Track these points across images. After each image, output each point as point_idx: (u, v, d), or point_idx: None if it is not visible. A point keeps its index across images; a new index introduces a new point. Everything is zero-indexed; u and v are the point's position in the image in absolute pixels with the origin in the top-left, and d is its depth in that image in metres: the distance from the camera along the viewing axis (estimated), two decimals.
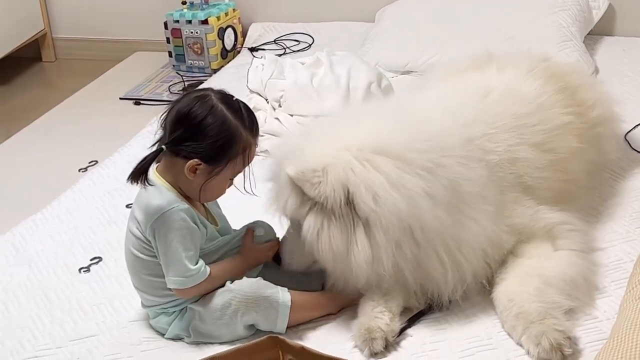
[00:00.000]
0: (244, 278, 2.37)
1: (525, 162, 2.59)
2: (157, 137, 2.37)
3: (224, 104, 2.30)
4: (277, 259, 2.52)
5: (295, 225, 2.43)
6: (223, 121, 2.28)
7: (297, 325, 2.41)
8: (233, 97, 2.38)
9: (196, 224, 2.33)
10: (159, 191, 2.32)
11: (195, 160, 2.28)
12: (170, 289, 2.35)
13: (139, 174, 2.32)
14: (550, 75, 2.90)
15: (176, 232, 2.29)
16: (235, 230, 2.54)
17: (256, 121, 2.38)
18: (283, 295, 2.36)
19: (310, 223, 2.32)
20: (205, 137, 2.27)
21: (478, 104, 2.67)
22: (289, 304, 2.35)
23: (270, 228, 2.55)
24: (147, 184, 2.32)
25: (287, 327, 2.37)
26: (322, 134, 2.45)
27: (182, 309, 2.39)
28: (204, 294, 2.36)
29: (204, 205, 2.44)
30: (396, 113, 2.55)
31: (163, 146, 2.31)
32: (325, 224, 2.31)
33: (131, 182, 2.33)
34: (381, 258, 2.28)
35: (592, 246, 2.63)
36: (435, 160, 2.36)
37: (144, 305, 2.47)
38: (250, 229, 2.50)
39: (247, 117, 2.33)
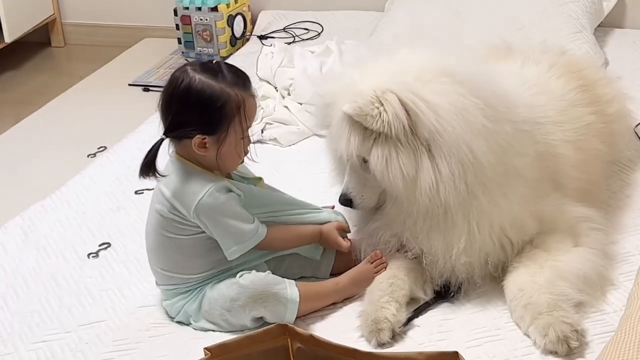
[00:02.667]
0: (253, 272, 2.37)
1: (563, 159, 2.58)
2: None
3: (201, 73, 2.29)
4: (344, 203, 2.51)
5: (358, 163, 2.40)
6: (206, 89, 2.27)
7: (304, 315, 2.41)
8: (212, 61, 2.37)
9: (232, 191, 2.35)
10: (188, 173, 2.34)
11: (198, 136, 2.28)
12: (194, 270, 2.38)
13: (148, 167, 2.32)
14: (569, 71, 2.88)
15: (222, 209, 2.31)
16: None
17: (243, 74, 2.36)
18: (291, 290, 2.36)
19: (377, 155, 2.31)
20: (195, 111, 2.27)
21: (523, 92, 2.64)
22: (298, 299, 2.35)
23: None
24: (158, 175, 2.33)
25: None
26: (375, 66, 2.41)
27: (198, 289, 2.40)
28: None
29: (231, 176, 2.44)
30: (469, 56, 2.52)
31: (163, 136, 2.32)
32: (392, 152, 2.29)
33: (143, 177, 2.34)
34: (439, 186, 2.28)
35: (613, 241, 2.62)
36: (502, 110, 2.33)
37: (158, 285, 2.48)
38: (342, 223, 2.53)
39: (229, 75, 2.32)
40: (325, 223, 2.52)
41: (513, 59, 2.92)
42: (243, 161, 2.44)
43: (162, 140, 2.32)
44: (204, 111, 2.27)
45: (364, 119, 2.28)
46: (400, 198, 2.38)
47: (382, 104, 2.27)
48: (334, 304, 2.47)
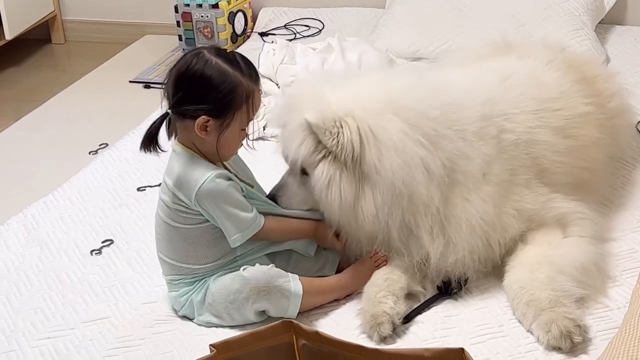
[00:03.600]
0: (257, 265, 2.38)
1: (543, 145, 2.59)
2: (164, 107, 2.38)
3: (218, 57, 2.31)
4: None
5: (296, 172, 2.46)
6: (221, 73, 2.29)
7: (308, 311, 2.41)
8: (227, 49, 2.39)
9: (232, 180, 2.37)
10: (189, 162, 2.35)
11: (203, 117, 2.29)
12: (201, 261, 2.40)
13: (149, 141, 2.34)
14: (568, 66, 2.90)
15: (223, 195, 2.32)
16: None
17: (254, 68, 2.39)
18: (295, 284, 2.37)
19: (322, 172, 2.36)
20: (207, 92, 2.29)
21: (500, 85, 2.68)
22: (301, 293, 2.36)
23: None
24: (159, 150, 2.34)
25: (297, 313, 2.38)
26: (347, 83, 2.46)
27: (203, 280, 2.41)
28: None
29: (229, 169, 2.45)
30: (417, 77, 2.59)
31: (168, 110, 2.32)
32: (337, 174, 2.35)
33: (144, 150, 2.35)
34: (378, 214, 2.34)
35: (604, 234, 2.63)
36: (440, 130, 2.39)
37: (164, 275, 2.48)
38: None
39: (244, 65, 2.34)
40: (321, 220, 2.52)
41: (510, 55, 2.95)
42: (236, 153, 2.46)
43: (166, 114, 2.33)
44: (215, 93, 2.28)
45: (322, 132, 2.33)
46: (336, 223, 2.43)
47: (342, 126, 2.32)
48: (336, 300, 2.47)
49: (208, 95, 2.28)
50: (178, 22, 4.81)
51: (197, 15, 4.75)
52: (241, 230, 2.36)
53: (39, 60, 5.31)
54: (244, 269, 2.37)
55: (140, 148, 2.36)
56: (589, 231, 2.52)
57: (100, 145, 3.87)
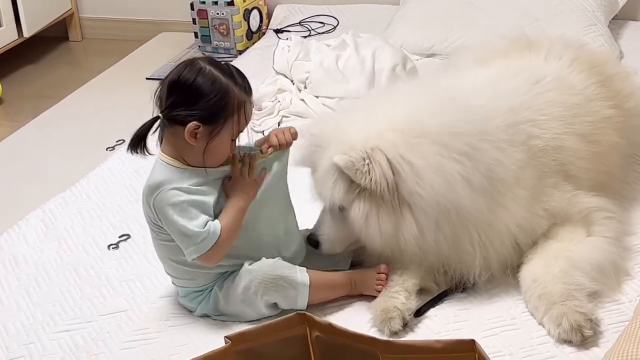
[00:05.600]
0: (263, 259, 2.39)
1: (570, 151, 2.60)
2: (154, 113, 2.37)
3: (211, 66, 2.31)
4: (311, 242, 2.52)
5: (336, 211, 2.44)
6: (213, 80, 2.28)
7: (322, 304, 2.44)
8: (221, 61, 2.39)
9: (197, 193, 2.32)
10: (161, 169, 2.35)
11: (194, 123, 2.28)
12: (194, 272, 2.40)
13: (137, 142, 2.34)
14: (591, 66, 2.89)
15: (174, 208, 2.29)
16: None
17: (248, 81, 2.37)
18: (301, 275, 2.38)
19: (359, 209, 2.35)
20: (199, 98, 2.27)
21: (529, 91, 2.67)
22: (308, 282, 2.38)
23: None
24: (146, 152, 2.34)
25: (309, 307, 2.39)
26: (364, 114, 2.45)
27: (210, 289, 2.43)
28: (227, 250, 2.34)
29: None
30: (436, 94, 2.56)
31: (159, 114, 2.31)
32: (373, 209, 2.33)
33: (131, 151, 2.36)
34: (425, 235, 2.33)
35: (628, 232, 2.64)
36: (473, 144, 2.38)
37: (174, 284, 2.51)
38: (235, 157, 2.41)
39: (237, 76, 2.34)
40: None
41: (536, 53, 2.94)
42: (223, 163, 2.41)
43: (157, 118, 2.31)
44: (207, 99, 2.27)
45: (353, 172, 2.32)
46: (383, 252, 2.42)
47: (371, 162, 2.30)
48: (348, 295, 2.48)
49: (199, 101, 2.27)
50: (194, 20, 4.85)
51: (212, 13, 4.78)
52: (192, 245, 2.29)
53: (57, 58, 5.35)
54: (249, 264, 2.38)
55: (128, 149, 2.36)
56: (613, 232, 2.53)
57: (117, 142, 3.90)
